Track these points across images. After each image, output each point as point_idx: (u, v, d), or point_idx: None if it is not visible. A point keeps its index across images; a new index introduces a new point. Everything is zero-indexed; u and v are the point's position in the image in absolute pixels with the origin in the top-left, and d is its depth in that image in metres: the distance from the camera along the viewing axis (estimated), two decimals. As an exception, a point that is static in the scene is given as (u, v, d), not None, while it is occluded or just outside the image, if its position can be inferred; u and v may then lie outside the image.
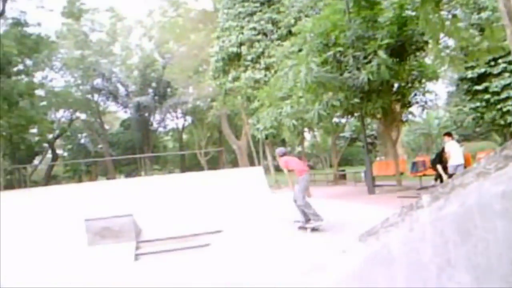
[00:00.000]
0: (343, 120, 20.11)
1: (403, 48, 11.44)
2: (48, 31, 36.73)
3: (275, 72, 15.80)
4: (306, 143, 45.73)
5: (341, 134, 31.43)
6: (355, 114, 14.68)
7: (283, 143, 24.24)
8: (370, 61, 10.71)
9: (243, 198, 14.87)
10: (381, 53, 10.16)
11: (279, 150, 8.86)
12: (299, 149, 56.63)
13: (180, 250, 7.77)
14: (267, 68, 17.69)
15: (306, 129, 19.63)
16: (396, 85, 13.06)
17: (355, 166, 39.13)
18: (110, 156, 46.94)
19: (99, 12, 46.10)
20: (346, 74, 11.23)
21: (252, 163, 35.22)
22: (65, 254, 7.77)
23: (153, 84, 46.56)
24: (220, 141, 48.71)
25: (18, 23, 29.44)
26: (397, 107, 14.78)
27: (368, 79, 10.36)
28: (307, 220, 7.83)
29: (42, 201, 15.85)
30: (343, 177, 21.89)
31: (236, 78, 17.98)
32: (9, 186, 33.00)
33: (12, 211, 14.91)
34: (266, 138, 17.96)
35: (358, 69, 10.99)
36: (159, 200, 15.08)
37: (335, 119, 18.56)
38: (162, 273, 6.64)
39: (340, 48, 11.05)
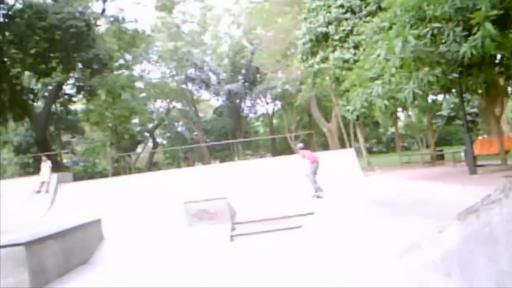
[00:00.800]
0: (440, 98, 18.93)
1: (506, 16, 10.38)
2: (144, 26, 39.04)
3: (364, 50, 15.24)
4: (399, 123, 43.92)
5: (438, 113, 29.60)
6: (453, 90, 13.72)
7: (375, 125, 23.40)
8: (470, 34, 9.89)
9: (334, 180, 14.72)
10: (488, 25, 9.29)
11: (299, 145, 13.60)
12: (392, 130, 54.62)
13: (273, 231, 7.93)
14: (355, 46, 17.11)
15: (399, 109, 18.78)
16: (499, 56, 11.95)
17: (454, 146, 36.72)
18: (205, 143, 48.85)
19: (190, 3, 47.75)
20: (442, 48, 10.49)
21: (343, 146, 34.59)
22: (168, 234, 8.30)
23: (243, 71, 47.40)
24: (310, 125, 48.44)
25: (117, 20, 31.58)
26: (501, 80, 13.56)
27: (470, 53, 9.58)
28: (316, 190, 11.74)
29: (146, 185, 17.05)
30: (441, 157, 20.67)
31: (325, 59, 17.65)
32: (116, 173, 35.92)
33: (120, 195, 16.25)
34: (357, 119, 17.48)
35: (456, 42, 10.21)
36: (252, 183, 15.46)
37: (431, 97, 17.52)
38: (256, 254, 6.82)
39: (437, 24, 10.31)
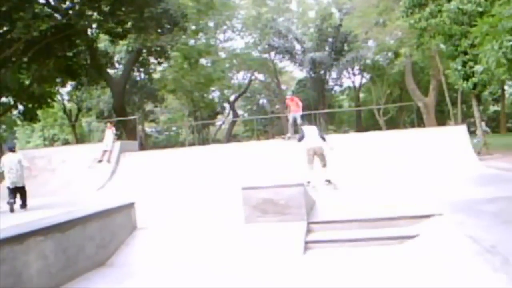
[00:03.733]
0: None
1: None
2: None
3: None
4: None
5: None
6: None
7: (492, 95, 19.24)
8: None
9: (442, 167, 11.57)
10: None
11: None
12: (494, 108, 48.08)
13: (370, 241, 5.28)
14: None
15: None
16: None
17: None
18: (286, 117, 46.54)
19: (275, -33, 44.94)
20: None
21: (440, 123, 30.63)
22: (216, 234, 5.97)
23: (330, 40, 43.71)
24: (400, 100, 43.99)
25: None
26: None
27: None
28: None
29: (215, 158, 15.02)
30: None
31: (436, 13, 14.06)
32: (194, 143, 34.83)
33: (183, 168, 14.40)
34: (474, 88, 13.90)
35: None
36: (338, 164, 12.76)
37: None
38: (343, 277, 4.27)
39: None
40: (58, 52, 21.66)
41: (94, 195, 13.34)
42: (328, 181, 10.23)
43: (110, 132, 16.21)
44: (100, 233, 5.48)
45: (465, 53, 13.95)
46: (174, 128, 56.48)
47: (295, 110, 16.11)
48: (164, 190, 12.30)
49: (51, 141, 50.62)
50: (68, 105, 45.47)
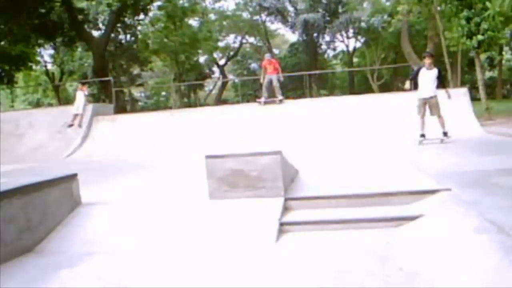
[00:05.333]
0: None
1: None
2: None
3: None
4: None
5: None
6: None
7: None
8: None
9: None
10: None
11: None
12: (490, 74, 46.88)
13: (360, 222, 4.23)
14: None
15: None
16: None
17: None
18: (259, 80, 45.34)
19: None
20: None
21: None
22: (176, 213, 4.88)
23: (323, 1, 41.90)
24: (395, 64, 42.70)
25: None
26: None
27: None
28: None
29: (194, 123, 13.92)
30: None
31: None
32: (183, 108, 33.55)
33: (157, 133, 13.29)
34: (479, 46, 12.71)
35: None
36: (328, 129, 11.72)
37: None
38: (325, 273, 3.23)
39: None
40: (29, 8, 20.02)
41: (61, 162, 12.23)
42: (445, 133, 9.72)
43: (81, 94, 14.91)
44: (25, 213, 4.37)
45: (470, 7, 12.67)
46: (164, 93, 55.11)
47: (271, 73, 15.40)
48: (131, 158, 11.24)
49: (35, 106, 48.98)
50: (52, 68, 43.61)
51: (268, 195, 4.74)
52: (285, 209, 4.65)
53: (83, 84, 16.12)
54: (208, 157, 4.91)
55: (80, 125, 14.45)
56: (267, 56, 16.46)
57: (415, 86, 10.16)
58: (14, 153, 13.69)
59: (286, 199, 4.73)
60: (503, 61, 40.51)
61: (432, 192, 4.55)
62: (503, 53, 37.25)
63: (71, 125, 14.42)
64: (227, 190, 4.86)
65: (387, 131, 11.43)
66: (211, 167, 4.89)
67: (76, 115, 14.52)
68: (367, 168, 6.69)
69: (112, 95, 18.76)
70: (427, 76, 9.70)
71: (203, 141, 11.93)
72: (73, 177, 5.18)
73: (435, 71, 9.72)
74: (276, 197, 4.72)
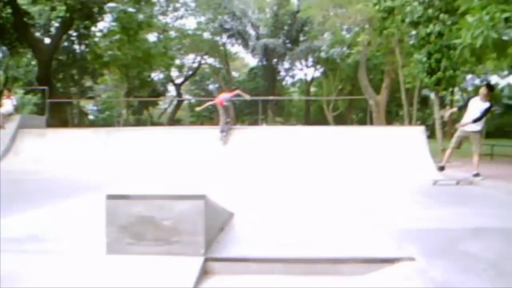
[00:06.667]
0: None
1: None
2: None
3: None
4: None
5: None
6: None
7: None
8: None
9: (400, 175, 9.88)
10: None
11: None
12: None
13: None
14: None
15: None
16: None
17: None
18: (233, 105, 44.51)
19: None
20: None
21: (388, 123, 29.97)
22: (61, 271, 3.62)
23: (285, 27, 41.81)
24: (351, 95, 43.15)
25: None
26: None
27: None
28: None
29: (130, 143, 12.61)
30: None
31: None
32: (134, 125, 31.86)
33: (84, 152, 11.87)
34: (437, 84, 12.22)
35: None
36: (279, 163, 10.77)
37: None
38: None
39: None
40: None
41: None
42: (477, 174, 8.99)
43: (9, 103, 13.29)
44: None
45: (430, 42, 12.24)
46: (118, 108, 53.17)
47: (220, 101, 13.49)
48: (52, 180, 9.82)
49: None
50: (-2, 74, 40.75)
51: (183, 253, 3.61)
52: (204, 272, 3.53)
53: (9, 91, 14.47)
54: (109, 197, 3.73)
55: (2, 126, 12.75)
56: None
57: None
58: None
59: (206, 259, 3.60)
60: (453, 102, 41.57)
61: (392, 261, 3.57)
62: (454, 93, 38.26)
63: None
64: (130, 243, 3.68)
65: (349, 169, 10.59)
66: (112, 211, 3.71)
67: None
68: (318, 216, 5.67)
69: (46, 106, 17.05)
70: (479, 108, 9.01)
71: (134, 167, 10.70)
72: None
73: (486, 105, 9.03)
74: (193, 255, 3.59)
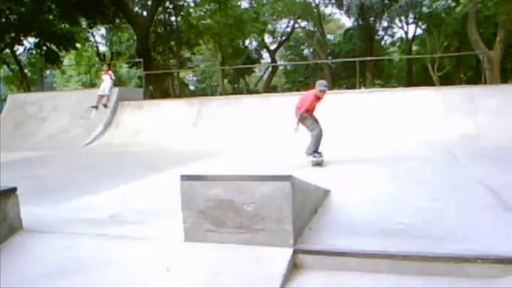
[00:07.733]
0: None
1: None
2: None
3: None
4: None
5: None
6: None
7: None
8: None
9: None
10: None
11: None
12: None
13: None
14: None
15: None
16: None
17: None
18: (329, 68, 43.06)
19: None
20: None
21: (503, 82, 26.89)
22: (135, 262, 3.32)
23: (385, -18, 38.90)
24: (459, 52, 39.26)
25: None
26: None
27: None
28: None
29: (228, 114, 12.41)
30: None
31: None
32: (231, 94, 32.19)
33: (180, 124, 11.87)
34: None
35: None
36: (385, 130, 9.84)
37: None
38: None
39: None
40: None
41: (77, 152, 11.12)
42: None
43: (108, 78, 13.76)
44: None
45: None
46: (215, 77, 54.34)
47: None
48: (149, 152, 9.91)
49: (88, 87, 49.45)
50: (103, 49, 43.50)
51: (268, 243, 3.09)
52: (294, 267, 2.99)
53: (108, 65, 14.98)
54: (184, 178, 3.31)
55: (106, 105, 13.31)
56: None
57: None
58: (35, 138, 12.80)
59: (295, 251, 3.06)
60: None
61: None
62: None
63: (95, 107, 13.29)
64: (210, 229, 3.25)
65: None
66: (189, 193, 3.29)
67: (101, 96, 13.40)
68: (439, 196, 4.82)
69: (143, 78, 17.51)
70: None
71: (226, 137, 10.44)
72: (7, 193, 3.76)
73: None
74: (280, 246, 3.07)
